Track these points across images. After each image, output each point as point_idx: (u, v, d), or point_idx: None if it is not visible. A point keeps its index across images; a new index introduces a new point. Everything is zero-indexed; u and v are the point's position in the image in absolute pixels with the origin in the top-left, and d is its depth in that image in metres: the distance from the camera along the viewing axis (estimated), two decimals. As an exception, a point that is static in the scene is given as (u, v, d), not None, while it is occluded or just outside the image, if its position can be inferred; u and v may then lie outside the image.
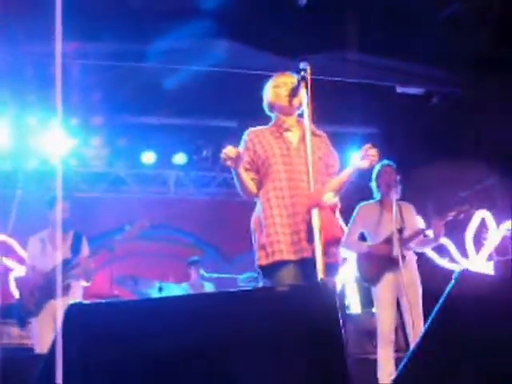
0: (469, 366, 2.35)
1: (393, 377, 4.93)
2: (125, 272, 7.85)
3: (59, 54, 2.06)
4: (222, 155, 3.42)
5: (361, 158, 3.63)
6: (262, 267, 3.57)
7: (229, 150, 3.41)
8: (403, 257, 5.20)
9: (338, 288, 7.52)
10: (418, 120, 8.02)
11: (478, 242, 8.09)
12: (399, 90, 7.68)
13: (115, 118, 8.01)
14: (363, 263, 5.46)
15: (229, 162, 3.43)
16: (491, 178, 8.24)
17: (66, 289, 5.53)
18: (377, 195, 5.60)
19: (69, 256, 5.62)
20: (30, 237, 5.91)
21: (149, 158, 8.68)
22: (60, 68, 2.11)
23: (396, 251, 5.19)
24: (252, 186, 3.68)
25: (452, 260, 8.13)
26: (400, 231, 5.26)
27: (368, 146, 3.61)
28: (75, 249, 5.70)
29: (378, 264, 5.35)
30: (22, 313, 5.65)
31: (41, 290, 5.51)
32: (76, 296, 5.64)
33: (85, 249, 5.77)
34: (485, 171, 8.11)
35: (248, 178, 3.66)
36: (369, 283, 5.44)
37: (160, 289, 7.24)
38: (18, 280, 6.22)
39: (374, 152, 3.59)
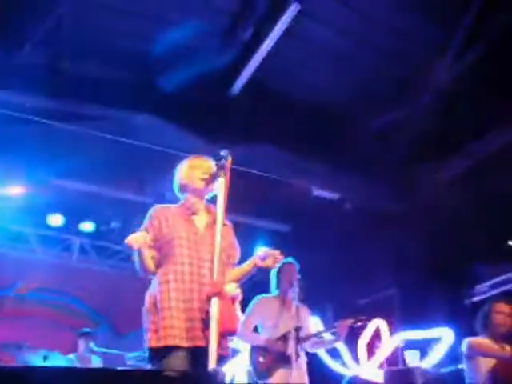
0: None
1: None
2: (8, 336, 7.51)
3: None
4: (131, 240, 3.36)
5: (263, 256, 3.65)
6: (152, 349, 3.45)
7: (140, 237, 3.37)
8: (297, 355, 5.20)
9: (228, 380, 7.39)
10: (330, 224, 8.21)
11: (371, 349, 8.19)
12: (315, 192, 7.87)
13: (28, 175, 7.81)
14: (256, 356, 5.40)
15: (134, 247, 3.38)
16: (391, 289, 8.47)
17: None
18: (275, 291, 5.60)
19: None
20: None
21: (56, 220, 8.47)
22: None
23: (291, 349, 5.17)
24: (150, 264, 3.56)
25: (344, 364, 8.17)
26: (297, 330, 5.26)
27: (271, 249, 3.65)
28: None
29: (271, 359, 5.31)
30: None
31: None
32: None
33: None
34: (386, 281, 8.34)
35: (149, 256, 3.56)
36: (258, 377, 5.37)
37: (45, 358, 6.91)
38: None
39: (277, 254, 3.62)
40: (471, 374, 5.03)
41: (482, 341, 5.09)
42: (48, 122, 6.72)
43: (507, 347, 4.95)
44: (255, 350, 5.42)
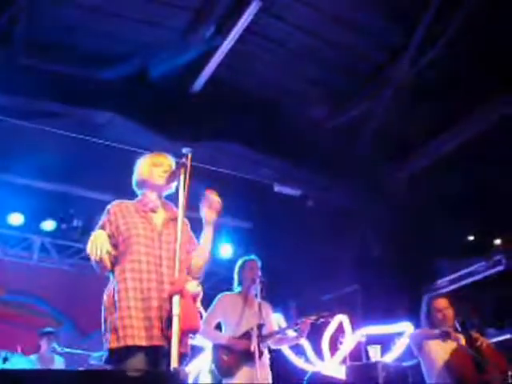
0: None
1: None
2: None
3: None
4: (93, 251, 3.34)
5: (205, 206, 3.63)
6: (111, 350, 3.39)
7: (97, 248, 3.34)
8: (260, 353, 5.21)
9: (192, 378, 7.37)
10: (292, 220, 8.24)
11: (334, 345, 8.25)
12: (276, 188, 7.88)
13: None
14: (219, 354, 5.39)
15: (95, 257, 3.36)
16: (354, 285, 8.55)
17: None
18: (238, 288, 5.59)
19: None
20: None
21: (16, 219, 8.34)
22: None
23: (254, 347, 5.18)
24: (107, 262, 3.48)
25: (307, 360, 8.21)
26: (259, 327, 5.27)
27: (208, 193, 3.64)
28: None
29: (234, 357, 5.29)
30: None
31: None
32: None
33: None
34: (349, 277, 8.40)
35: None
36: (222, 376, 5.36)
37: (5, 359, 6.80)
38: None
39: (214, 197, 3.61)
40: (427, 366, 5.11)
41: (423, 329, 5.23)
42: (7, 120, 6.62)
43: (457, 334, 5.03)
44: (218, 348, 5.40)
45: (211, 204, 3.65)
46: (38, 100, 6.59)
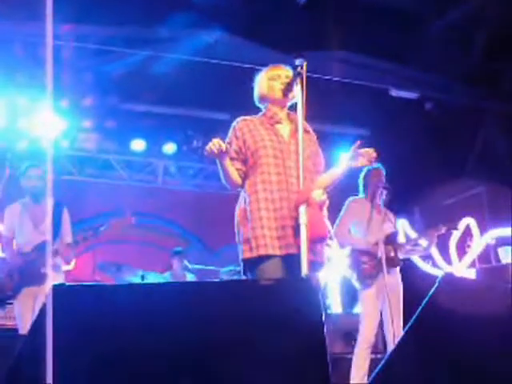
0: (444, 370, 2.36)
1: (366, 378, 4.95)
2: (108, 258, 7.83)
3: (50, 34, 2.04)
4: (207, 148, 3.38)
5: (355, 155, 3.61)
6: (246, 260, 3.51)
7: (214, 144, 3.37)
8: (398, 260, 5.24)
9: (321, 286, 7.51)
10: (410, 125, 8.03)
11: (462, 248, 8.13)
12: (393, 93, 7.66)
13: (107, 103, 7.94)
14: (359, 260, 5.34)
15: (213, 155, 3.39)
16: (479, 187, 8.30)
17: (45, 276, 5.19)
18: (362, 196, 5.56)
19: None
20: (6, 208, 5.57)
21: (139, 145, 8.64)
22: (51, 49, 2.09)
23: (387, 254, 5.18)
24: (236, 177, 3.59)
25: (435, 265, 8.16)
26: (393, 235, 5.28)
27: (358, 144, 3.61)
28: (55, 222, 5.36)
29: (371, 264, 5.28)
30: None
31: (21, 273, 5.27)
32: (57, 280, 5.46)
33: (65, 222, 5.50)
34: (473, 180, 8.17)
35: (232, 168, 3.58)
36: (361, 282, 5.35)
37: (142, 277, 7.20)
38: (-3, 260, 5.92)
39: (371, 151, 3.58)
40: None
41: None
42: (116, 49, 6.74)
43: None
44: (357, 253, 5.37)
45: (368, 161, 3.62)
46: (146, 27, 6.64)
